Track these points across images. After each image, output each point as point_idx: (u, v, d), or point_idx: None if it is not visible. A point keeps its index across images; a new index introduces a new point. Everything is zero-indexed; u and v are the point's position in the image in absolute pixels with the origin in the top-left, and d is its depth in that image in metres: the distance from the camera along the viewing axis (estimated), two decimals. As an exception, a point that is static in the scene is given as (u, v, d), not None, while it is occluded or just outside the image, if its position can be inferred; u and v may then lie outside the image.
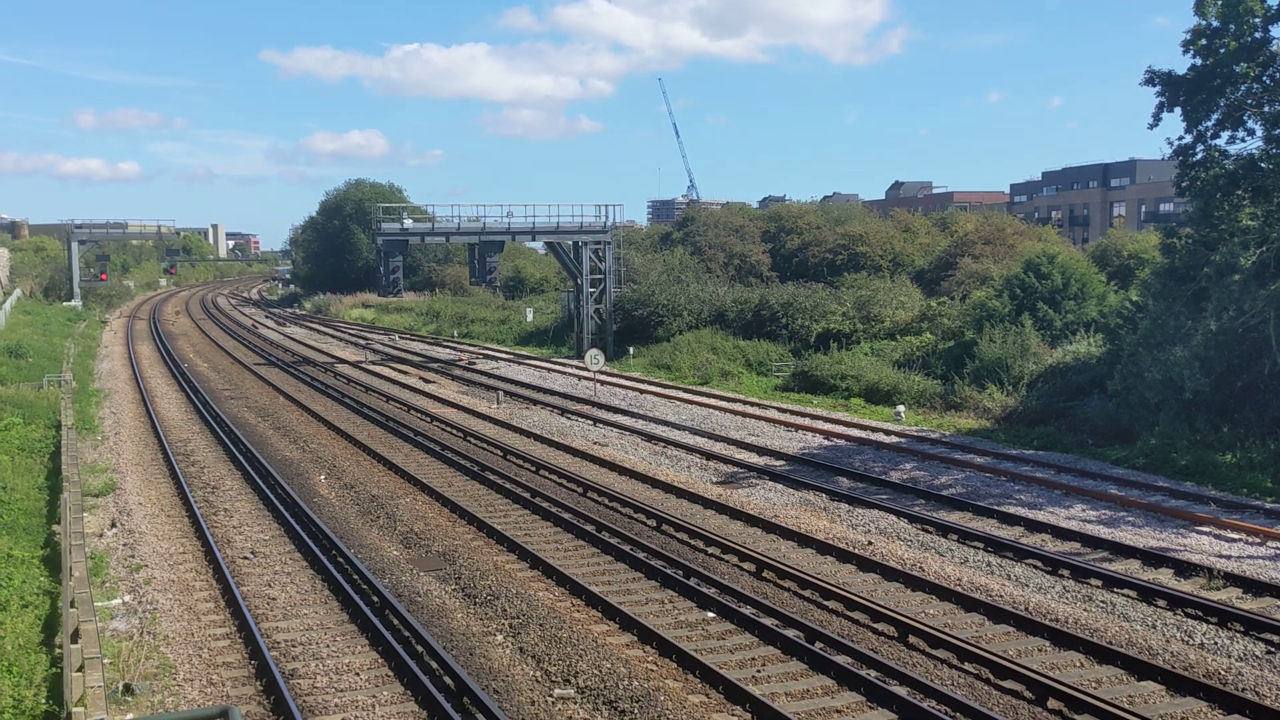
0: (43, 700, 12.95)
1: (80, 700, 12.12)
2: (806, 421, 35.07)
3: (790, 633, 15.89)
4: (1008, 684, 14.23)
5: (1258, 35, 26.45)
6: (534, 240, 60.06)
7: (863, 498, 24.29)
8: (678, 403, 39.80)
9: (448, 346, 64.98)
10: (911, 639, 15.85)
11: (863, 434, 32.67)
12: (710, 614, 17.07)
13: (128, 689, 13.99)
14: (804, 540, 21.00)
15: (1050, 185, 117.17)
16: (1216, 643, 15.60)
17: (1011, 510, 22.97)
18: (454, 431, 33.79)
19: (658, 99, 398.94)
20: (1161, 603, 17.27)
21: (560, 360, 55.39)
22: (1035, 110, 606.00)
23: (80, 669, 12.81)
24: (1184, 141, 28.13)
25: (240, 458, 29.14)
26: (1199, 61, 27.28)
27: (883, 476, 26.57)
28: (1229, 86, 26.95)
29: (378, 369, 52.12)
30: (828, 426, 34.16)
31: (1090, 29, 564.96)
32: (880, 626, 16.44)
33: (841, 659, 14.89)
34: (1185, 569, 18.91)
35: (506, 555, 20.37)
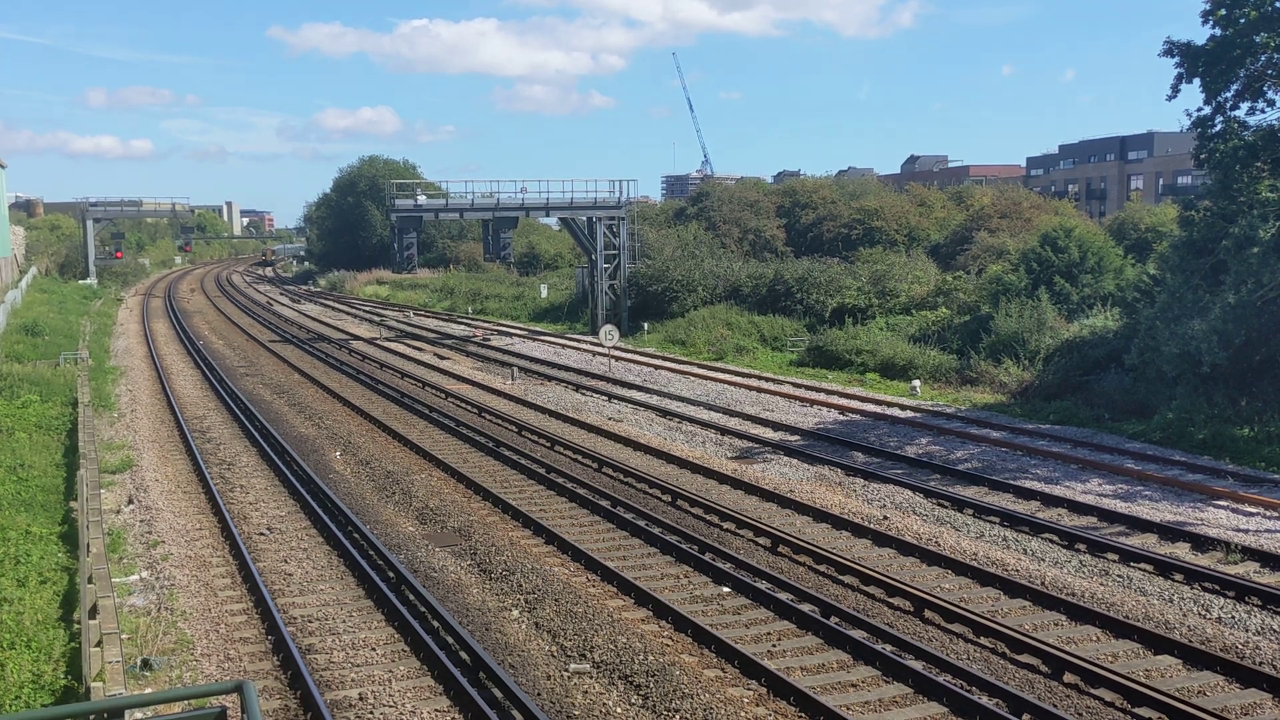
0: (61, 675, 13.01)
1: (99, 675, 12.18)
2: (821, 396, 34.99)
3: (806, 607, 15.87)
4: (1024, 658, 14.20)
5: (1278, 5, 26.11)
6: (548, 216, 59.96)
7: (878, 472, 24.24)
8: (692, 378, 39.75)
9: (462, 323, 65.01)
10: (927, 613, 15.82)
11: (878, 409, 32.58)
12: (726, 589, 17.07)
13: (146, 664, 14.07)
14: (819, 515, 20.97)
15: (1067, 158, 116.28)
16: (1234, 617, 15.53)
17: (1027, 485, 22.90)
18: (469, 407, 33.82)
19: (670, 74, 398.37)
20: (1179, 577, 17.20)
21: (575, 336, 55.38)
22: (1049, 83, 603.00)
23: (98, 644, 12.88)
24: (1203, 113, 27.84)
25: (256, 434, 29.22)
26: (1218, 32, 26.97)
27: (898, 451, 26.51)
28: (1249, 57, 26.64)
29: (392, 345, 52.18)
30: (843, 401, 34.08)
31: (1102, 0, 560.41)
32: (896, 601, 16.41)
33: (857, 633, 14.88)
34: (1202, 543, 18.82)
35: (522, 531, 20.40)
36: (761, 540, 19.53)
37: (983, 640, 14.85)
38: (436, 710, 12.94)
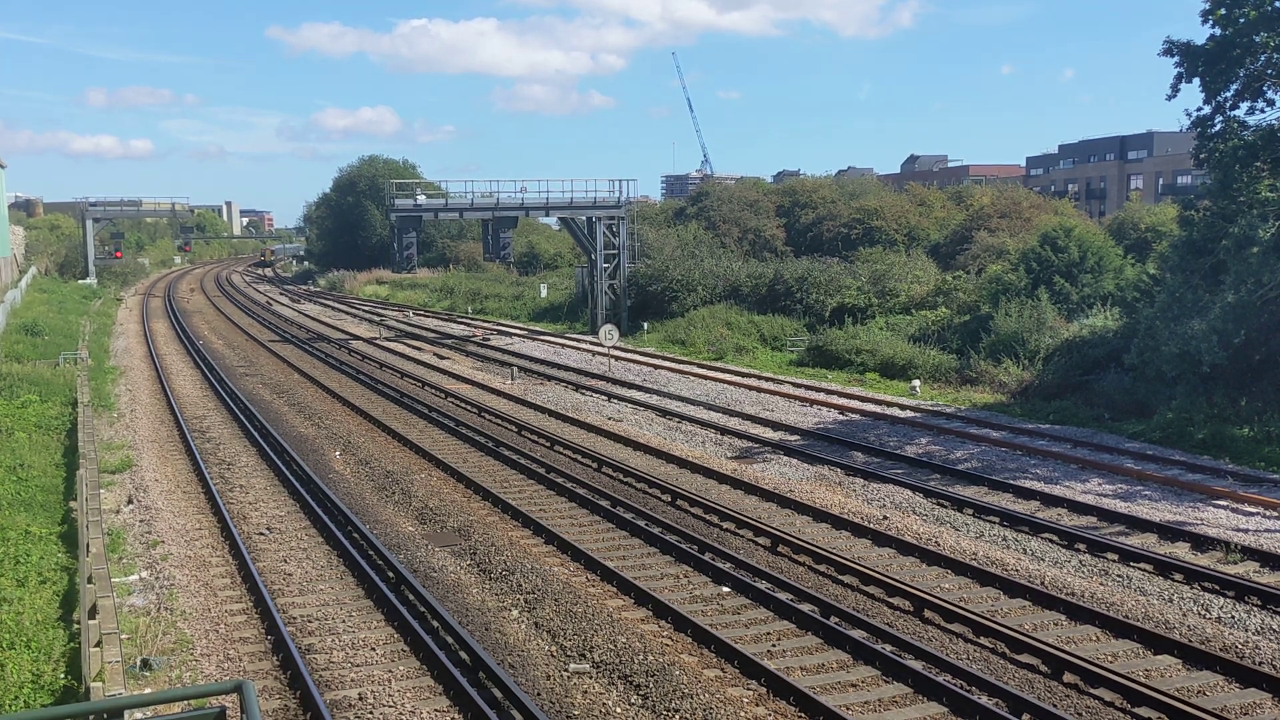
0: (61, 675, 13.02)
1: (98, 675, 12.18)
2: (821, 396, 34.99)
3: (806, 607, 15.87)
4: (1024, 658, 14.19)
5: (1278, 5, 26.11)
6: (548, 215, 59.99)
7: (878, 472, 24.24)
8: (692, 378, 39.75)
9: (462, 323, 65.01)
10: (927, 613, 15.81)
11: (878, 409, 32.58)
12: (725, 589, 17.07)
13: (145, 664, 14.06)
14: (819, 515, 20.97)
15: (1066, 158, 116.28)
16: (1234, 617, 15.53)
17: (1027, 484, 22.89)
18: (468, 407, 33.81)
19: (670, 74, 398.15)
20: (1178, 576, 17.19)
21: (574, 336, 55.37)
22: (1048, 83, 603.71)
23: (98, 644, 12.88)
24: (1202, 113, 27.85)
25: (255, 434, 29.21)
26: (1218, 32, 26.97)
27: (898, 451, 26.50)
28: (1248, 57, 26.64)
29: (392, 345, 52.17)
30: (843, 401, 34.07)
31: (1102, 1, 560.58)
32: (896, 601, 16.41)
33: (857, 633, 14.87)
34: (1202, 543, 18.82)
35: (521, 530, 20.39)
36: (761, 540, 19.53)
37: (982, 640, 14.85)
38: (436, 710, 12.94)
